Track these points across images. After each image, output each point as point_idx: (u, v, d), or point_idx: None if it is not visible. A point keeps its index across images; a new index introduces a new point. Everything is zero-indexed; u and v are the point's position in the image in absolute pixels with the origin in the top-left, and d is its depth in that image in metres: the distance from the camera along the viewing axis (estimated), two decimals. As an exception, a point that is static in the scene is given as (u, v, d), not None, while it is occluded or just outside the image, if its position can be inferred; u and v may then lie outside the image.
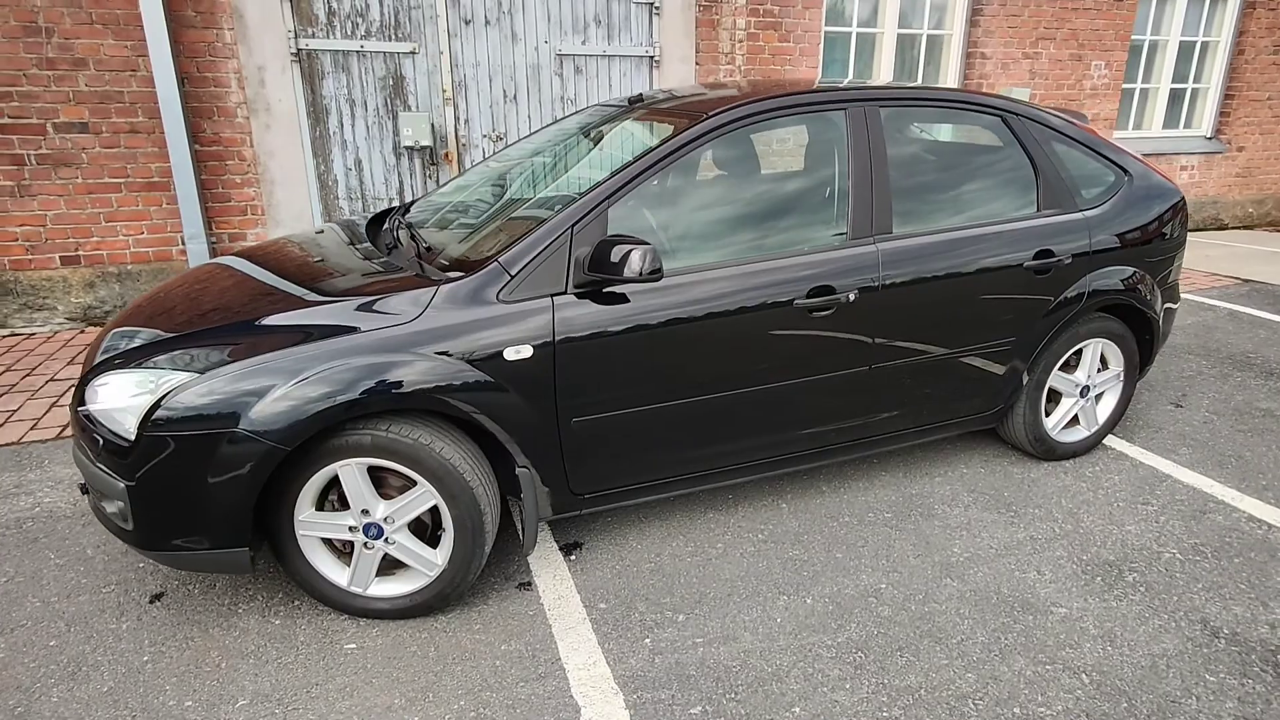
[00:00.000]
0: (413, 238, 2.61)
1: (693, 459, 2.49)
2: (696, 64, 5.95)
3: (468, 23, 5.31)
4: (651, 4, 5.67)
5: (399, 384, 2.00)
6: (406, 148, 5.35)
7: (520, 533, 2.65)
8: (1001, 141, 2.86)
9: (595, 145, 2.79)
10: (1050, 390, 3.09)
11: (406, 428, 2.07)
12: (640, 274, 2.09)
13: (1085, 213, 2.93)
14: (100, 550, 2.56)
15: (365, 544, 2.17)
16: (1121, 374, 3.19)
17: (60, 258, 4.87)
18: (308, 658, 2.11)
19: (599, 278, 2.14)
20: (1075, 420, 3.22)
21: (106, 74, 4.69)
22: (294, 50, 4.99)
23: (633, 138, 2.66)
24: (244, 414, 1.93)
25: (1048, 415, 3.14)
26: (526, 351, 2.14)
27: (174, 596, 2.35)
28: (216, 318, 2.15)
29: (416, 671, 2.07)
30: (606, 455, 2.36)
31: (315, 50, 5.06)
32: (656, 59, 5.79)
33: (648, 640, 2.19)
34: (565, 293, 2.20)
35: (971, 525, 2.75)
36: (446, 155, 5.51)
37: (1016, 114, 2.86)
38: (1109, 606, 2.33)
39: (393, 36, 5.19)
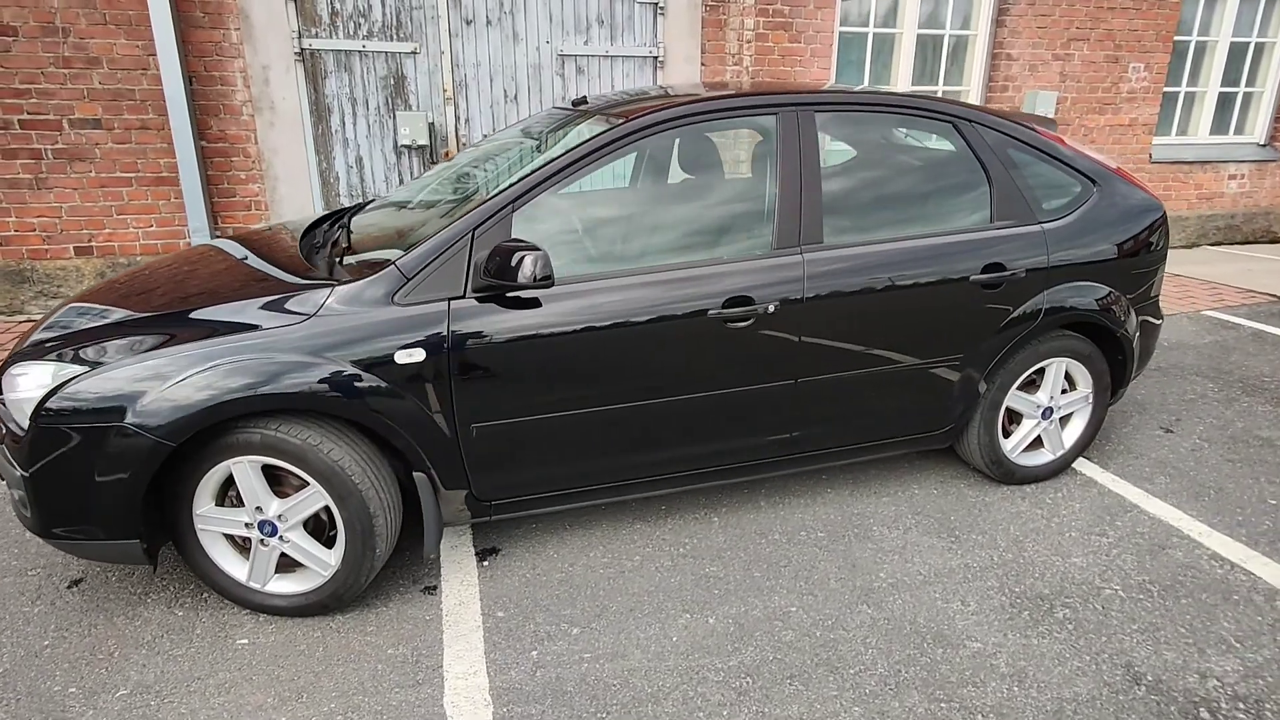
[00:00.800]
0: (340, 238, 2.63)
1: (608, 469, 2.45)
2: (702, 64, 5.87)
3: (469, 23, 5.35)
4: (656, 4, 5.62)
5: (282, 384, 2.02)
6: (405, 146, 5.42)
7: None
8: (954, 148, 2.73)
9: (537, 149, 2.77)
10: (1010, 411, 2.94)
11: (296, 428, 2.09)
12: (533, 279, 2.06)
13: (1044, 225, 2.77)
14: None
15: (261, 540, 2.20)
16: (1090, 396, 3.02)
17: (74, 248, 5.09)
18: (198, 651, 2.15)
19: (493, 283, 2.12)
20: (1039, 443, 3.06)
21: (119, 72, 4.88)
22: (298, 50, 5.10)
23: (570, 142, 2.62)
24: (130, 409, 1.97)
25: (1007, 436, 2.99)
26: (419, 355, 2.13)
27: (92, 584, 2.42)
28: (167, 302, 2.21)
29: (298, 670, 2.08)
30: (512, 463, 2.33)
31: (318, 50, 5.17)
32: (661, 59, 5.74)
33: (534, 653, 2.16)
34: (464, 297, 2.18)
35: (906, 549, 2.63)
36: (446, 154, 5.56)
37: (969, 120, 2.72)
38: (1028, 643, 2.20)
39: (394, 36, 5.26)
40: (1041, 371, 2.93)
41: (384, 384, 2.11)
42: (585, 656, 2.14)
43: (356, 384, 2.08)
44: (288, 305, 2.13)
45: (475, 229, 2.20)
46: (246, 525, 2.18)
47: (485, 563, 2.56)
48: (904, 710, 1.96)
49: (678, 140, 2.70)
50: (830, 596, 2.40)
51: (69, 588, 2.40)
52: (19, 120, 4.79)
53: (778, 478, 3.07)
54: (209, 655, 2.13)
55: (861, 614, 2.32)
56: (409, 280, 2.15)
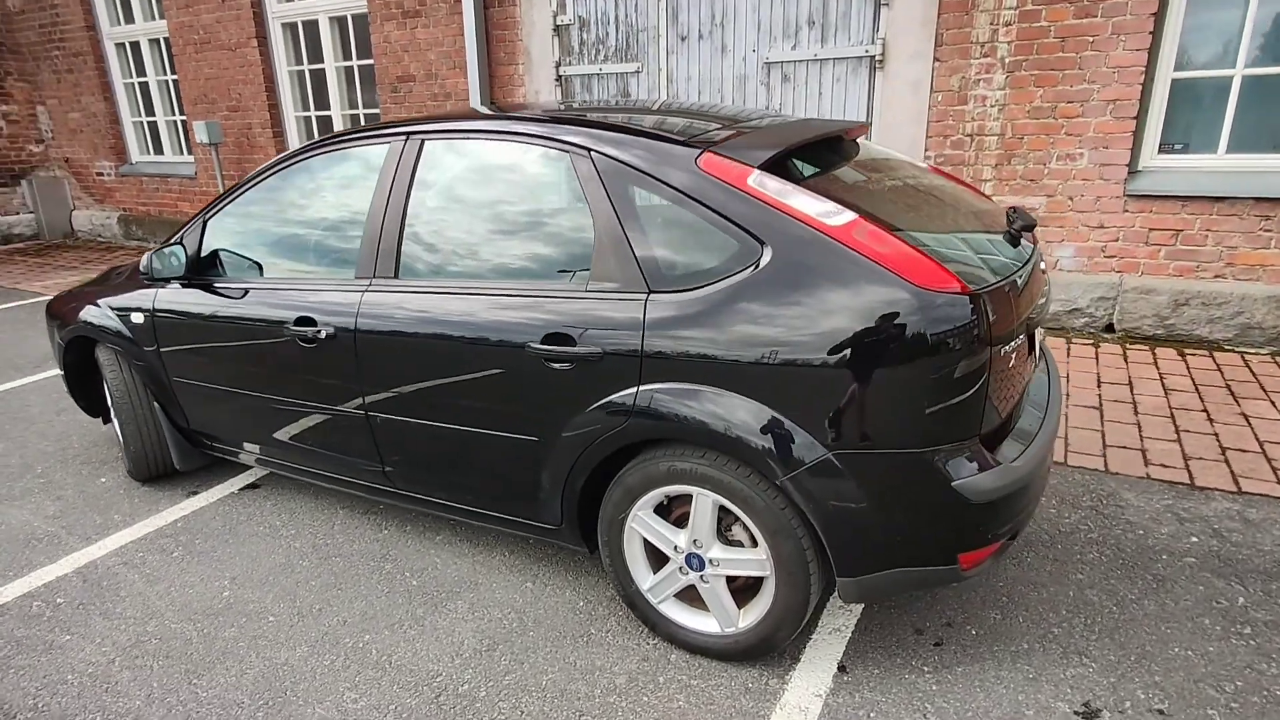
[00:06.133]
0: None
1: (256, 441, 2.90)
2: (936, 60, 4.77)
3: (683, 39, 5.53)
4: (872, -6, 4.81)
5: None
6: (617, 158, 5.96)
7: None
8: (571, 184, 2.14)
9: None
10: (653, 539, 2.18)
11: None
12: (148, 273, 2.73)
13: (650, 296, 1.97)
14: None
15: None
16: (769, 562, 1.98)
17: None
18: None
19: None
20: (698, 602, 2.16)
21: (462, 103, 6.70)
22: (557, 76, 6.13)
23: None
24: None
25: (654, 571, 2.22)
26: (140, 318, 2.98)
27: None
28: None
29: (85, 504, 3.23)
30: (200, 413, 3.01)
31: (570, 75, 6.10)
32: (879, 59, 4.90)
33: None
34: (170, 281, 2.92)
35: (439, 633, 2.33)
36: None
37: (600, 152, 2.09)
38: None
39: (623, 59, 5.82)
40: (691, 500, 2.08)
41: (127, 332, 3.04)
42: None
43: (113, 329, 3.06)
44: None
45: (184, 230, 2.91)
46: None
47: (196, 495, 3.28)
48: (152, 724, 2.04)
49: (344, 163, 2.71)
50: (322, 626, 2.40)
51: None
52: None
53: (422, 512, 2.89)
54: None
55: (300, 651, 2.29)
56: (150, 265, 2.99)
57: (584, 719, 1.99)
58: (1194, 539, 2.60)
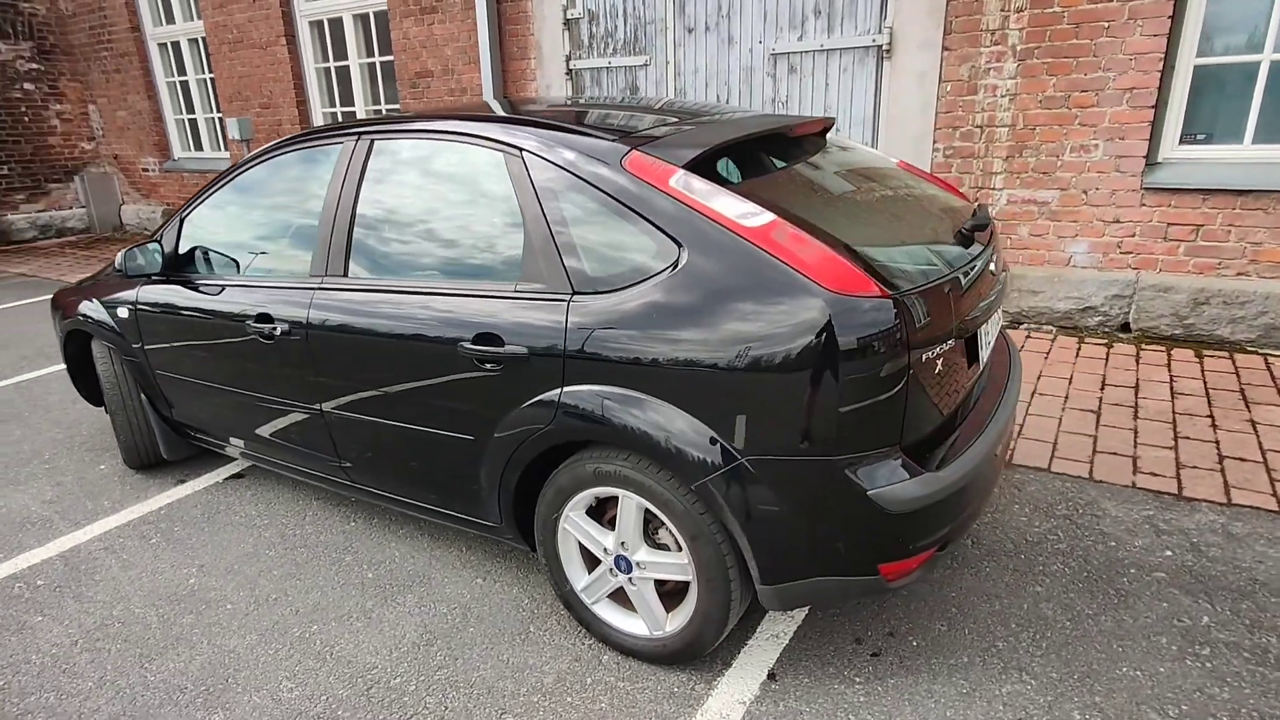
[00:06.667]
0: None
1: (237, 436, 2.98)
2: (945, 48, 4.62)
3: (690, 31, 5.47)
4: (879, -18, 4.68)
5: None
6: (625, 152, 5.93)
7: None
8: (505, 185, 2.14)
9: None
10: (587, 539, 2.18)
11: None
12: (122, 270, 2.82)
13: (574, 297, 1.95)
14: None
15: None
16: (691, 566, 1.96)
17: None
18: None
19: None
20: (631, 604, 2.15)
21: (476, 98, 6.75)
22: (567, 70, 6.13)
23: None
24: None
25: (589, 571, 2.21)
26: (125, 313, 3.09)
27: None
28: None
29: None
30: (181, 405, 3.11)
31: (580, 69, 6.09)
32: (886, 48, 4.77)
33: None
34: (152, 278, 3.01)
35: (375, 625, 2.38)
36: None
37: (530, 151, 2.08)
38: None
39: (632, 51, 5.79)
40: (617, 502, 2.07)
41: (115, 326, 3.15)
42: (127, 556, 2.85)
43: (105, 323, 3.18)
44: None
45: (163, 229, 3.00)
46: None
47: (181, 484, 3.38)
48: (100, 706, 2.13)
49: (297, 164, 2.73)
50: (275, 614, 2.46)
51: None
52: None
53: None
54: None
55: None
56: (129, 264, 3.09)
57: (505, 716, 2.00)
58: (1168, 552, 2.48)
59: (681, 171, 1.90)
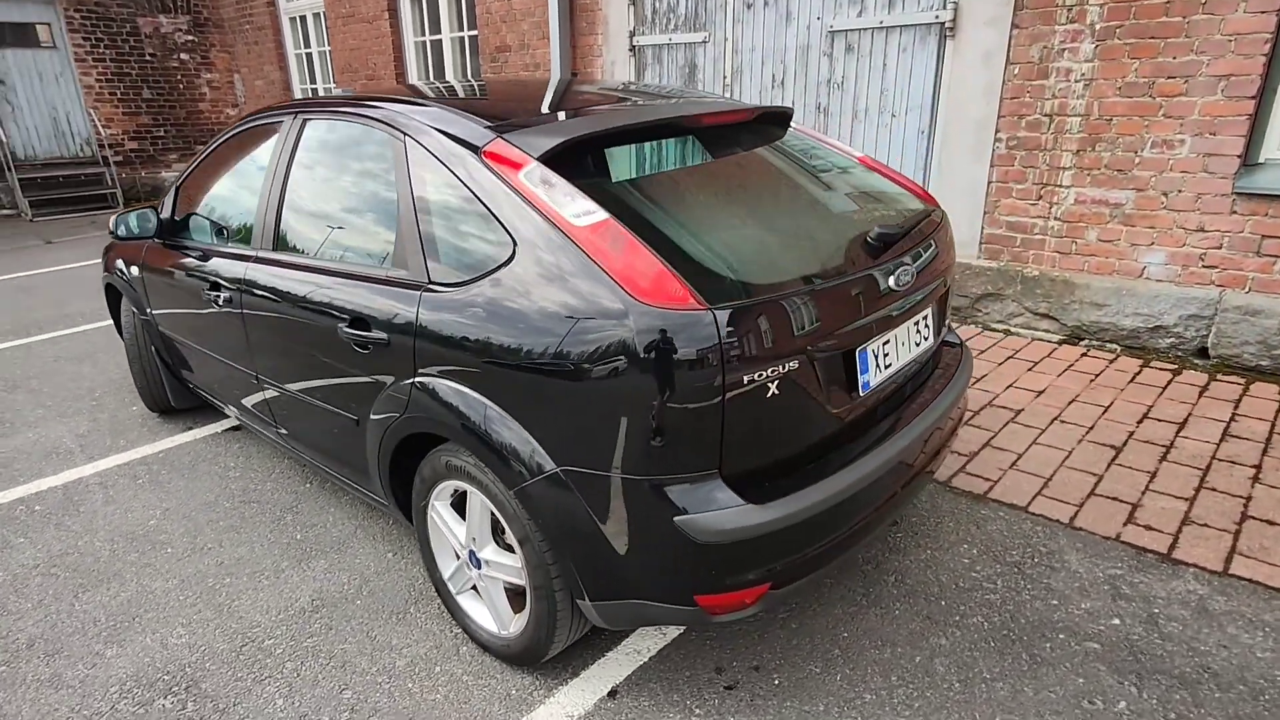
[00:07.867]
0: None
1: (216, 394, 3.19)
2: (1015, 26, 4.15)
3: (749, 6, 5.23)
4: (943, -48, 4.25)
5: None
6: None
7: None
8: (392, 169, 2.12)
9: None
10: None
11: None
12: (114, 234, 3.07)
13: (429, 289, 1.92)
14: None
15: None
16: (524, 571, 1.91)
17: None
18: None
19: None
20: (481, 596, 2.13)
21: (540, 70, 6.80)
22: (631, 46, 6.04)
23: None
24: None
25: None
26: (135, 271, 3.37)
27: None
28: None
29: None
30: (178, 360, 3.36)
31: (643, 45, 5.97)
32: (949, 25, 4.35)
33: None
34: (153, 237, 3.26)
35: (273, 583, 2.49)
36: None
37: (410, 135, 2.05)
38: None
39: (692, 28, 5.61)
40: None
41: (130, 284, 3.44)
42: (115, 493, 3.14)
43: (124, 277, 3.49)
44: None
45: (164, 201, 3.23)
46: None
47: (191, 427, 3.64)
48: (28, 626, 2.37)
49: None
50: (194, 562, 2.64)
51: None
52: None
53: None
54: None
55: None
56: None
57: (345, 692, 2.04)
58: (1115, 620, 2.15)
59: (535, 162, 1.82)
